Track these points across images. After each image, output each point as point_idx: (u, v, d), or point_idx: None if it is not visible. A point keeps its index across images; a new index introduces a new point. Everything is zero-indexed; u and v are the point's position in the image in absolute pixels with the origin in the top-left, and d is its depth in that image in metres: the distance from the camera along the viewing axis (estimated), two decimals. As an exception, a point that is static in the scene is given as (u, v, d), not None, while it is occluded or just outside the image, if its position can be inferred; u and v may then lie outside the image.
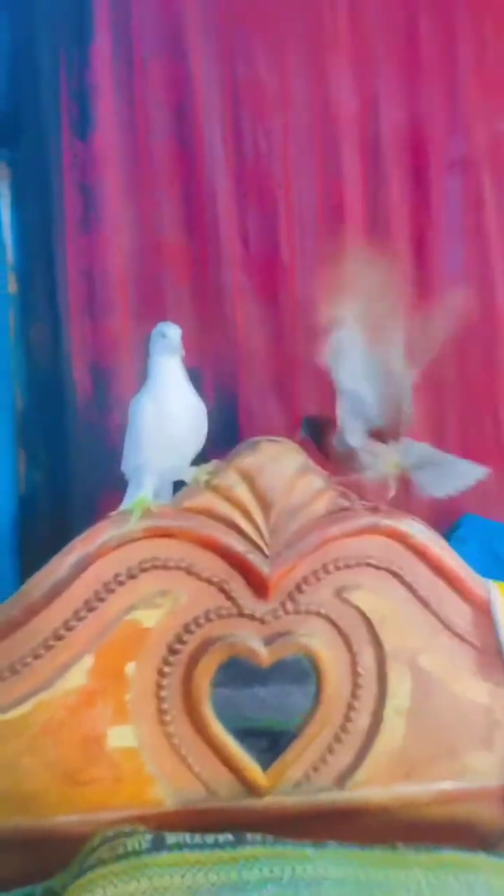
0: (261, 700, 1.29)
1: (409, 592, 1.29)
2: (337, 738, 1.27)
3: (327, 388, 1.57)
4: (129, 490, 1.28)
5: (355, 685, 1.27)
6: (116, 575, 1.18)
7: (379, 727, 1.27)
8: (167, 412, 1.21)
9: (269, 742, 1.25)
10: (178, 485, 1.28)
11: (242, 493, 1.21)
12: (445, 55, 1.59)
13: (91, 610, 1.17)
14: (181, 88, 1.55)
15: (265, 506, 1.22)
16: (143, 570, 1.21)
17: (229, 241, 1.57)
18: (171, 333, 1.21)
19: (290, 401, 1.58)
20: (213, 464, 1.23)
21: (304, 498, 1.24)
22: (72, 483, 1.58)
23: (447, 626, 1.30)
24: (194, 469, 1.23)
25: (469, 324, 1.62)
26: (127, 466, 1.27)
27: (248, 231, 1.60)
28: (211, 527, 1.20)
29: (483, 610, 1.30)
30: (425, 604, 1.29)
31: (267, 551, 1.22)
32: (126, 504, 1.23)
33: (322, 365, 1.22)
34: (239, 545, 1.21)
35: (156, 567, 1.21)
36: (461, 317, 1.34)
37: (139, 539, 1.19)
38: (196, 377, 1.29)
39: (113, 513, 1.20)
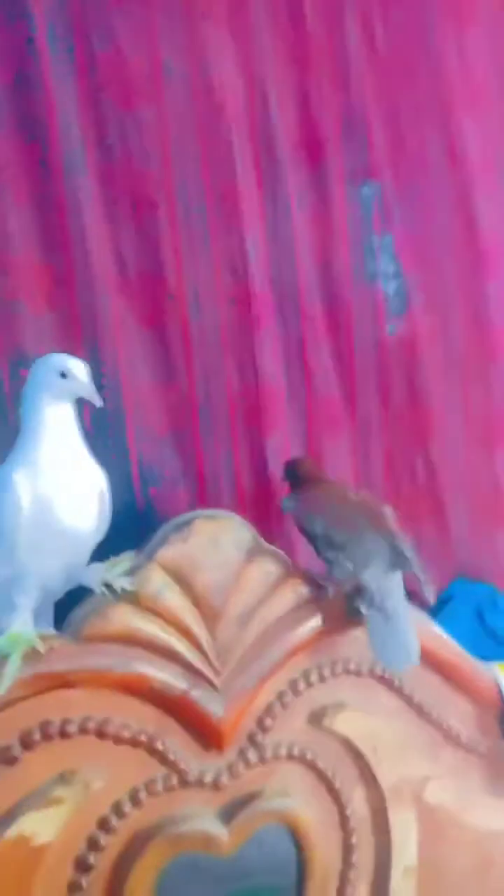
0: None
1: (401, 700, 0.87)
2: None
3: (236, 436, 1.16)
4: None
5: (347, 848, 0.83)
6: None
7: None
8: (53, 493, 0.72)
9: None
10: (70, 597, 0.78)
11: (174, 599, 0.76)
12: (334, 36, 1.27)
13: None
14: (20, 58, 1.09)
15: (208, 615, 0.77)
16: (28, 748, 0.69)
17: (100, 259, 1.11)
18: (75, 371, 0.77)
19: (190, 455, 1.14)
20: (125, 558, 0.75)
21: (259, 593, 0.81)
22: None
23: (450, 738, 0.89)
24: (98, 568, 0.75)
25: (391, 351, 1.27)
26: None
27: (123, 246, 1.15)
28: (133, 659, 0.72)
29: (489, 705, 0.91)
30: (422, 712, 0.88)
31: (216, 681, 0.75)
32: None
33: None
34: (176, 680, 0.74)
35: (48, 738, 0.70)
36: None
37: (18, 700, 0.68)
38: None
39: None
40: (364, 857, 0.89)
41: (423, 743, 0.93)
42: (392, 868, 0.89)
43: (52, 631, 0.76)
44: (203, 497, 1.10)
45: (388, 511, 0.88)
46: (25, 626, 0.75)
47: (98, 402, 0.77)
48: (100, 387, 0.84)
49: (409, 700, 0.92)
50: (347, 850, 0.88)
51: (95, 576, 0.79)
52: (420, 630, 0.88)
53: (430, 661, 0.93)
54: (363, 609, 0.80)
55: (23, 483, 0.73)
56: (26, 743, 0.73)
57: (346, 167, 1.28)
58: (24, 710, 0.73)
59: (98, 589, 0.78)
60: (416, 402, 1.31)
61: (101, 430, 1.07)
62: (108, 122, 1.13)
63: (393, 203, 1.29)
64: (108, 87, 1.13)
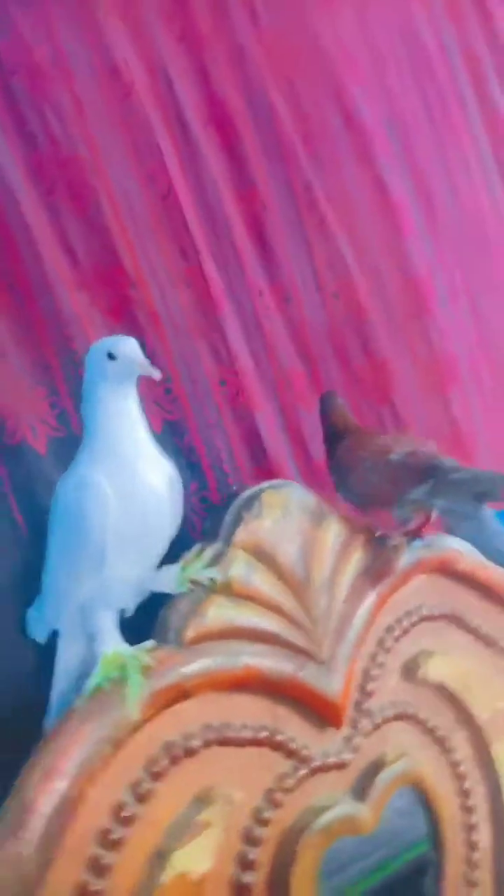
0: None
1: (470, 634, 0.86)
2: (469, 881, 0.78)
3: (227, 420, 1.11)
4: (65, 651, 0.66)
5: (462, 793, 0.81)
6: (119, 808, 0.57)
7: None
8: (132, 489, 0.65)
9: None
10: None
11: (263, 579, 0.70)
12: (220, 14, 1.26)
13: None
14: None
15: (296, 588, 0.72)
16: (159, 778, 0.61)
17: (50, 255, 1.02)
18: (123, 349, 0.68)
19: (189, 446, 1.07)
20: (197, 550, 0.68)
21: (335, 556, 0.77)
22: None
23: None
24: (172, 569, 0.67)
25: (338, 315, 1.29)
26: (55, 619, 0.66)
27: (71, 238, 1.06)
28: (239, 653, 0.66)
29: None
30: (489, 642, 0.88)
31: (321, 656, 0.70)
32: (92, 679, 0.61)
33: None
34: (284, 664, 0.68)
35: (176, 761, 0.62)
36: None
37: (138, 728, 0.59)
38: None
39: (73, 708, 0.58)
40: (478, 798, 0.87)
41: (497, 672, 0.93)
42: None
43: (148, 643, 0.67)
44: (212, 487, 1.04)
45: (432, 446, 0.87)
46: (120, 644, 0.65)
47: (157, 376, 0.69)
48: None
49: (476, 633, 0.92)
50: (463, 795, 0.86)
51: (170, 578, 0.71)
52: (474, 559, 0.88)
53: (486, 591, 0.93)
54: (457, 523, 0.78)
55: (102, 484, 0.64)
56: (155, 773, 0.64)
57: (258, 142, 1.27)
58: (144, 736, 0.64)
59: (182, 588, 0.70)
60: (372, 360, 1.32)
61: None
62: (25, 110, 1.04)
63: (311, 174, 1.30)
64: (17, 73, 1.04)
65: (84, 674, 0.69)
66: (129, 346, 0.68)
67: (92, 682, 0.63)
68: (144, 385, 1.09)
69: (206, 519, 0.82)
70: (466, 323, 1.55)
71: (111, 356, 0.68)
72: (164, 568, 0.71)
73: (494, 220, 1.67)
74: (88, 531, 0.64)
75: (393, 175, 1.44)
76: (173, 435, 1.05)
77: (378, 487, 0.83)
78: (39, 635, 0.70)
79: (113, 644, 0.65)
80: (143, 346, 1.09)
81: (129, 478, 0.66)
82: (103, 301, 1.02)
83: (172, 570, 0.71)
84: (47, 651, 0.70)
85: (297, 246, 1.31)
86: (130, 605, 0.71)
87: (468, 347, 1.52)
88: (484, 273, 1.60)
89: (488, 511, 0.77)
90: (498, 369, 1.58)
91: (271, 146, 1.31)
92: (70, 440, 0.87)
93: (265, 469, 1.11)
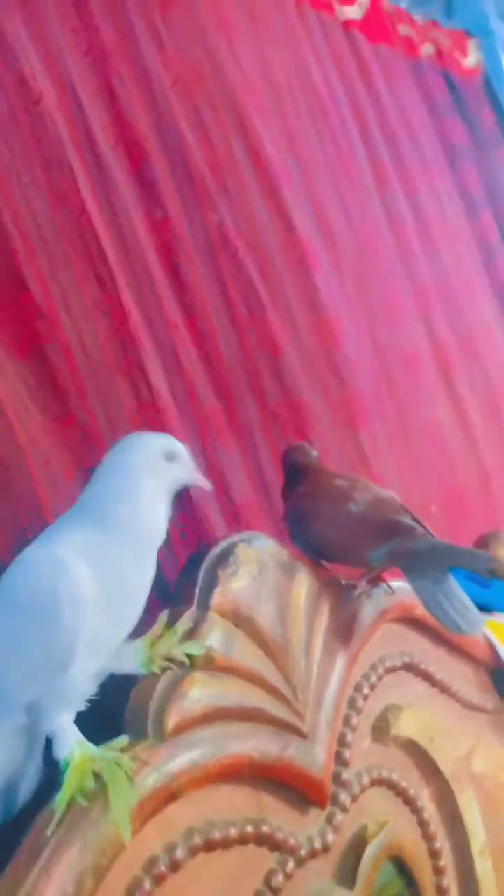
0: None
1: (426, 682, 0.84)
2: None
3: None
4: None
5: (433, 854, 0.77)
6: None
7: (478, 889, 0.78)
8: (129, 592, 0.58)
9: None
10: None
11: (244, 648, 0.62)
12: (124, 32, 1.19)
13: None
14: None
15: (276, 654, 0.65)
16: None
17: None
18: (185, 456, 0.63)
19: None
20: (164, 619, 0.59)
21: (308, 614, 0.70)
22: None
23: (467, 705, 0.89)
24: (135, 647, 0.57)
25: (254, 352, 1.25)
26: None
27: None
28: (225, 738, 0.57)
29: (482, 662, 0.93)
30: (444, 688, 0.86)
31: (303, 728, 0.63)
32: (62, 793, 0.50)
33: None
34: (271, 743, 0.60)
35: (160, 881, 0.52)
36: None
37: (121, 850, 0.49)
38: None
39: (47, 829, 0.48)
40: (447, 859, 0.83)
41: (454, 718, 0.90)
42: (473, 855, 0.84)
43: (119, 740, 0.56)
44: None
45: (391, 494, 0.83)
46: (87, 745, 0.54)
47: (208, 488, 0.63)
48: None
49: (432, 680, 0.88)
50: (435, 856, 0.81)
51: (135, 657, 0.60)
52: (409, 600, 0.85)
53: (435, 635, 0.90)
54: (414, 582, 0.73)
55: (85, 572, 0.53)
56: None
57: (168, 169, 1.21)
58: (125, 857, 0.52)
59: (151, 668, 0.59)
60: (288, 398, 1.28)
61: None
62: None
63: (223, 207, 1.25)
64: None
65: (17, 778, 0.57)
66: (186, 452, 0.62)
67: (61, 798, 0.50)
68: (57, 430, 0.97)
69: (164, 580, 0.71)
70: (370, 359, 1.56)
71: (170, 457, 0.59)
72: (126, 646, 0.60)
73: (387, 260, 1.71)
74: (57, 629, 0.52)
75: (299, 212, 1.42)
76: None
77: (337, 543, 0.78)
78: None
79: (78, 747, 0.52)
80: (53, 384, 0.97)
81: (125, 582, 0.56)
82: (7, 333, 0.89)
83: (135, 647, 0.60)
84: None
85: (210, 279, 1.25)
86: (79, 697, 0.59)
87: (374, 384, 1.52)
88: (383, 309, 1.63)
89: (450, 579, 0.74)
90: (401, 404, 1.60)
91: (181, 174, 1.24)
92: None
93: (189, 513, 1.02)
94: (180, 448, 0.61)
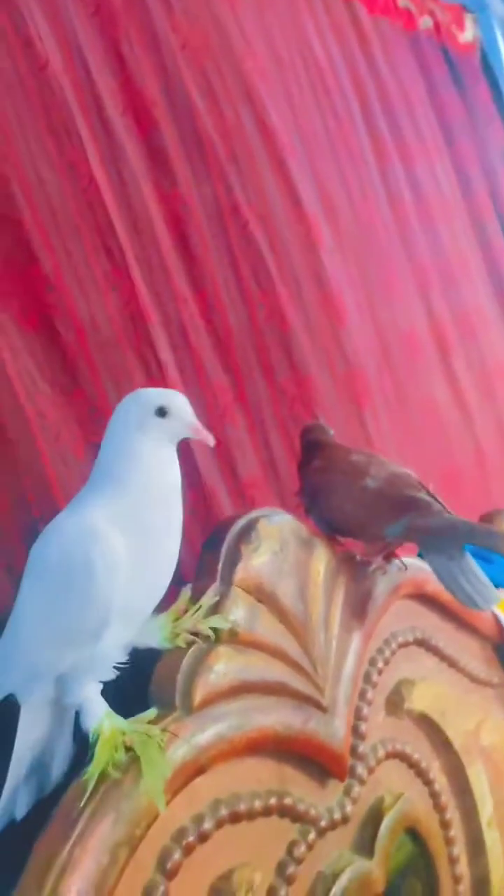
0: None
1: (436, 656, 0.84)
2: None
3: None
4: (30, 727, 0.53)
5: (444, 825, 0.78)
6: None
7: (486, 860, 0.79)
8: (159, 560, 0.56)
9: None
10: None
11: (267, 622, 0.61)
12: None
13: None
14: None
15: (297, 628, 0.64)
16: (173, 875, 0.51)
17: None
18: (177, 407, 0.57)
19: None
20: (187, 594, 0.58)
21: (327, 589, 0.69)
22: None
23: (475, 680, 0.89)
24: (159, 621, 0.57)
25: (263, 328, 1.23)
26: (14, 686, 0.55)
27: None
28: (251, 711, 0.57)
29: (488, 636, 0.94)
30: (453, 663, 0.86)
31: (323, 702, 0.64)
32: (93, 767, 0.49)
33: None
34: (294, 717, 0.60)
35: (189, 851, 0.52)
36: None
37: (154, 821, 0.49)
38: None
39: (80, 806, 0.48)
40: (457, 829, 0.84)
41: (463, 692, 0.90)
42: (482, 827, 0.85)
43: (148, 713, 0.56)
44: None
45: (408, 471, 0.82)
46: (115, 718, 0.53)
47: (211, 442, 0.59)
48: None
49: (442, 655, 0.89)
50: (445, 826, 0.82)
51: (158, 632, 0.59)
52: (421, 576, 0.85)
53: (446, 611, 0.91)
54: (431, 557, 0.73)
55: (118, 540, 0.52)
56: (169, 870, 0.52)
57: (177, 136, 1.18)
58: (155, 829, 0.52)
59: (176, 643, 0.59)
60: (296, 374, 1.27)
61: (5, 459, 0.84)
62: None
63: (232, 177, 1.23)
64: None
65: (48, 755, 0.57)
66: (182, 404, 0.57)
67: (92, 771, 0.50)
68: (66, 404, 0.96)
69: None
70: (371, 336, 1.55)
71: (161, 412, 0.55)
72: (151, 621, 0.60)
73: (387, 238, 1.69)
74: (92, 596, 0.51)
75: (303, 185, 1.40)
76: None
77: (352, 517, 0.77)
78: None
79: (106, 719, 0.52)
80: (62, 357, 0.96)
81: (152, 546, 0.54)
82: (15, 305, 0.87)
83: (157, 621, 0.59)
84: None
85: (220, 252, 1.22)
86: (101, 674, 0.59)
87: (375, 361, 1.51)
88: (382, 287, 1.62)
89: (466, 555, 0.74)
90: (399, 381, 1.59)
91: (190, 142, 1.21)
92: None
93: (197, 489, 1.01)
94: (173, 401, 0.58)
